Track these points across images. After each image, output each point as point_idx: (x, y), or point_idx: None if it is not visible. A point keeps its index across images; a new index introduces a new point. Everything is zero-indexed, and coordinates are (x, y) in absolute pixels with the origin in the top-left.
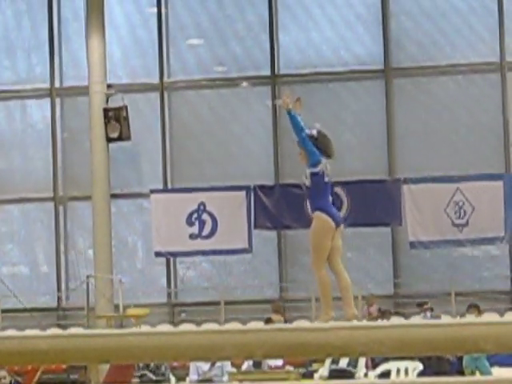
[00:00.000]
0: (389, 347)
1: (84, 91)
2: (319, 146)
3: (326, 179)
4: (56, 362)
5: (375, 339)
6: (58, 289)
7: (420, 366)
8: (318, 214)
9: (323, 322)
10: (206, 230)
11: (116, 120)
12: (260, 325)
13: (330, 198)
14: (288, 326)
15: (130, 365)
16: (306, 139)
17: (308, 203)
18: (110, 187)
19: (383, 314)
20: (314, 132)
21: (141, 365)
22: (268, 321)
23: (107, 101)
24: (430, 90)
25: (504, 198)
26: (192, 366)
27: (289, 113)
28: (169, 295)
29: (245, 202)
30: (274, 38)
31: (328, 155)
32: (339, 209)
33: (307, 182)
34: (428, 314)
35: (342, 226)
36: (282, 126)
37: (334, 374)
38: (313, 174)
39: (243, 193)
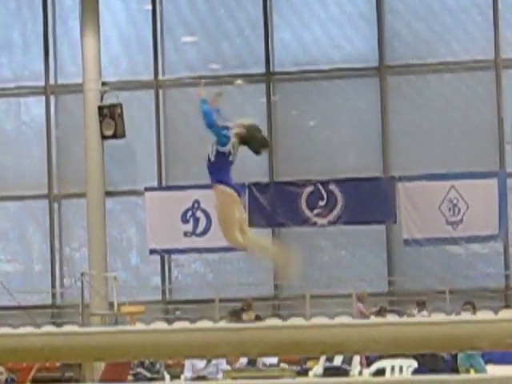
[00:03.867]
0: (383, 345)
1: (79, 89)
2: (248, 140)
3: (231, 158)
4: (50, 360)
5: (370, 337)
6: (53, 286)
7: (414, 364)
8: (221, 187)
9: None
10: (200, 228)
11: (111, 118)
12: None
13: (231, 176)
14: (283, 323)
15: (127, 362)
16: (214, 124)
17: (209, 174)
18: (105, 185)
19: (379, 313)
20: (250, 121)
21: (135, 362)
22: (238, 319)
23: (102, 98)
24: (424, 88)
25: (498, 196)
26: (187, 363)
27: (201, 101)
28: (163, 293)
29: None
30: (269, 36)
31: (256, 152)
32: (333, 207)
33: (212, 157)
34: (416, 311)
35: (242, 198)
36: (276, 123)
37: (329, 371)
38: (219, 153)
39: None
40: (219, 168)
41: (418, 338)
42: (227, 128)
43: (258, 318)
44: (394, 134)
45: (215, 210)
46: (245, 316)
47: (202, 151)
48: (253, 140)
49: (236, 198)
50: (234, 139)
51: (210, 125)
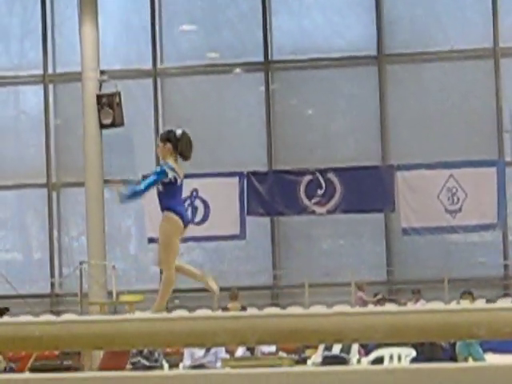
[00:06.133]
0: (382, 333)
1: (77, 77)
2: (180, 146)
3: (179, 182)
4: (49, 349)
5: (368, 325)
6: (52, 275)
7: (413, 353)
8: (167, 213)
9: (156, 310)
10: (199, 217)
11: (109, 106)
12: (253, 311)
13: (182, 198)
14: (281, 312)
15: (125, 351)
16: (152, 184)
17: (158, 203)
18: (103, 173)
19: (379, 302)
20: (179, 132)
21: (134, 351)
22: (225, 309)
23: (100, 87)
24: (423, 76)
25: (497, 185)
26: (186, 351)
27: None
28: None
29: (238, 188)
30: (268, 24)
31: (185, 157)
32: (332, 195)
33: (160, 188)
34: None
35: (188, 226)
36: (275, 112)
37: (327, 360)
38: (164, 184)
39: (236, 179)
40: (168, 196)
41: (417, 327)
42: (161, 166)
43: (243, 309)
44: (392, 122)
45: (159, 236)
46: (230, 306)
47: (200, 140)
48: (183, 147)
49: (180, 227)
50: (173, 165)
51: (150, 186)
